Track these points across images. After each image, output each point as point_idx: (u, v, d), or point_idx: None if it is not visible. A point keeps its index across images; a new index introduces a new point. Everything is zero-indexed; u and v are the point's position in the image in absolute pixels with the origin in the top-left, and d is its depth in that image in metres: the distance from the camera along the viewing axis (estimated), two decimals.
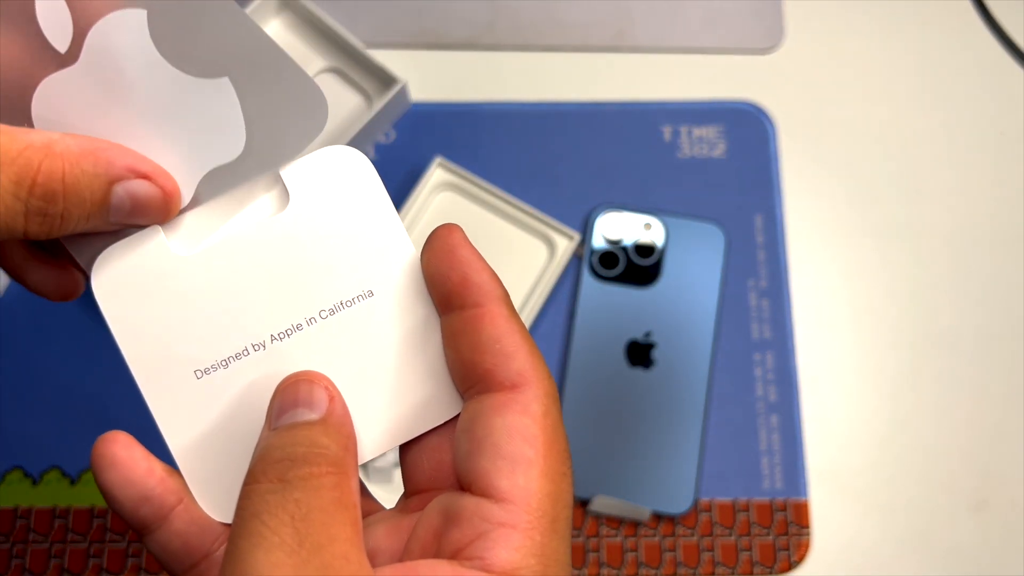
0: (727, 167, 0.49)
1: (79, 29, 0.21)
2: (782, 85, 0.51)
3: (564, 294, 0.47)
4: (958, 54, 0.52)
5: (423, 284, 0.23)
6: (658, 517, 0.44)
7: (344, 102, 0.50)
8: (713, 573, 0.44)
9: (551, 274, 0.46)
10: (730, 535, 0.44)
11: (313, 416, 0.22)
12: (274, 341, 0.22)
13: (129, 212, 0.22)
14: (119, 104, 0.22)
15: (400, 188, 0.49)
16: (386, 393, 0.23)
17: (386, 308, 0.23)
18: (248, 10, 0.49)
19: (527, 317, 0.45)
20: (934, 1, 0.53)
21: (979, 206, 0.50)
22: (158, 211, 0.23)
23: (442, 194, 0.48)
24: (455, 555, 0.20)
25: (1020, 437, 0.46)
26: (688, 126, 0.50)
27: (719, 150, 0.50)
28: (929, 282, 0.48)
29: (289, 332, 0.22)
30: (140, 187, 0.22)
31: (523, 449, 0.21)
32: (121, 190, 0.22)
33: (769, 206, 0.49)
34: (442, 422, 0.23)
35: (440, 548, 0.21)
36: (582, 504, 0.44)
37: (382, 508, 0.25)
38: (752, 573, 0.44)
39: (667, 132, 0.50)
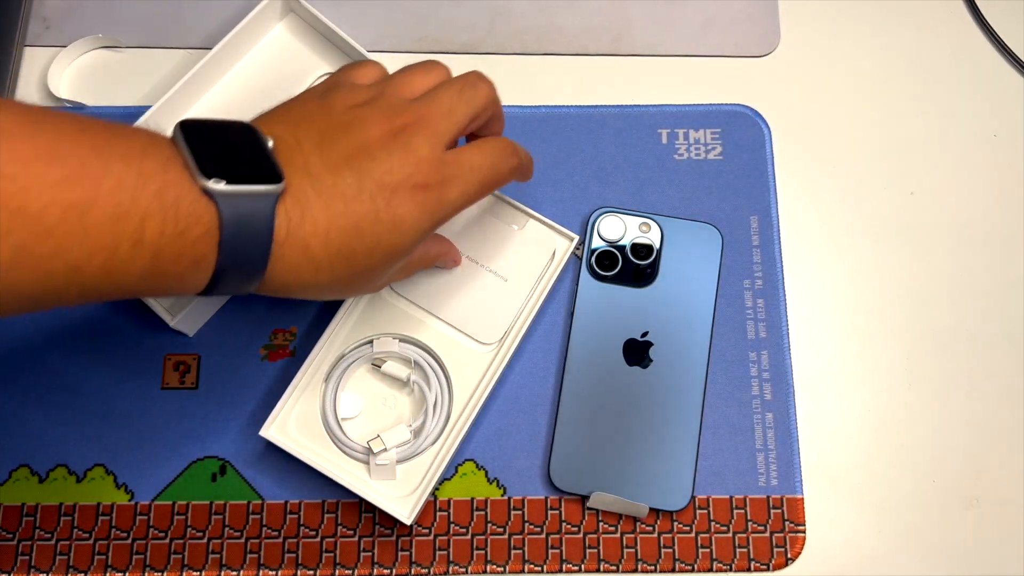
0: (723, 169, 0.50)
1: None
2: (777, 89, 0.52)
3: (563, 294, 0.48)
4: (951, 57, 0.53)
5: None
6: (656, 513, 0.45)
7: None
8: (710, 568, 0.44)
9: (550, 274, 0.47)
10: (726, 531, 0.45)
11: None
12: None
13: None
14: None
15: None
16: None
17: None
18: (252, 14, 0.49)
19: (527, 316, 0.46)
20: (928, 5, 0.54)
21: (972, 207, 0.50)
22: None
23: None
24: None
25: (1013, 435, 0.47)
26: (685, 129, 0.51)
27: (715, 152, 0.51)
28: (923, 282, 0.49)
29: None
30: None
31: None
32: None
33: (765, 207, 0.50)
34: None
35: None
36: (581, 500, 0.45)
37: None
38: (748, 569, 0.44)
39: (664, 135, 0.51)
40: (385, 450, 0.43)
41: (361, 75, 0.39)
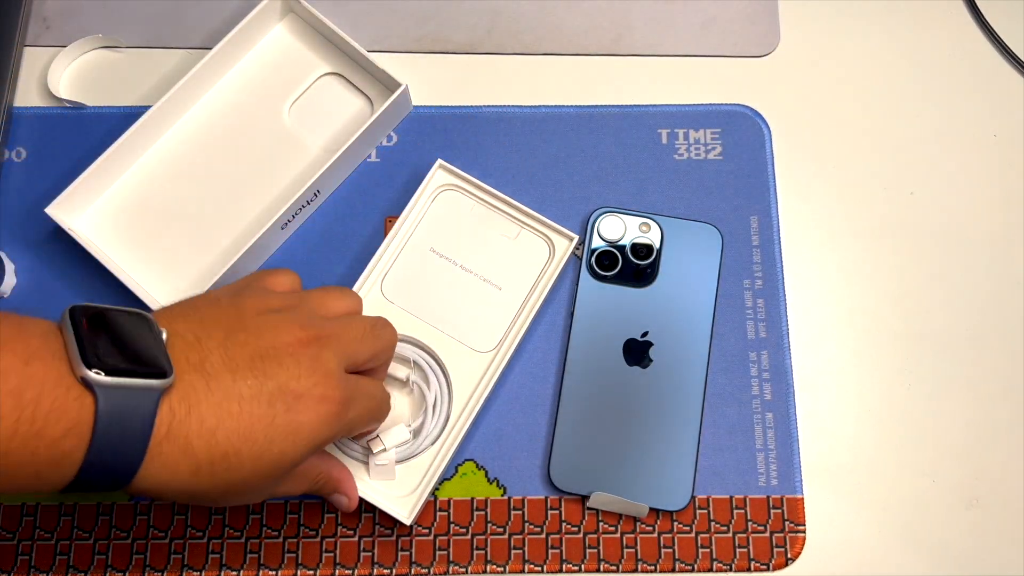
0: (723, 169, 0.50)
1: None
2: (777, 89, 0.52)
3: (563, 293, 0.48)
4: (951, 57, 0.53)
5: None
6: (656, 513, 0.45)
7: (347, 106, 0.51)
8: (710, 569, 0.44)
9: (550, 274, 0.47)
10: (726, 531, 0.45)
11: None
12: None
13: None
14: None
15: (402, 190, 0.49)
16: None
17: None
18: (252, 14, 0.49)
19: (527, 316, 0.46)
20: (928, 5, 0.54)
21: (972, 208, 0.50)
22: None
23: (443, 195, 0.48)
24: None
25: (1012, 435, 0.47)
26: (685, 129, 0.51)
27: (715, 152, 0.51)
28: (922, 282, 0.49)
29: None
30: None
31: None
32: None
33: (764, 207, 0.50)
34: None
35: None
36: (581, 500, 0.45)
37: None
38: (748, 569, 0.44)
39: (664, 135, 0.51)
40: (384, 450, 0.43)
41: (276, 283, 0.39)
